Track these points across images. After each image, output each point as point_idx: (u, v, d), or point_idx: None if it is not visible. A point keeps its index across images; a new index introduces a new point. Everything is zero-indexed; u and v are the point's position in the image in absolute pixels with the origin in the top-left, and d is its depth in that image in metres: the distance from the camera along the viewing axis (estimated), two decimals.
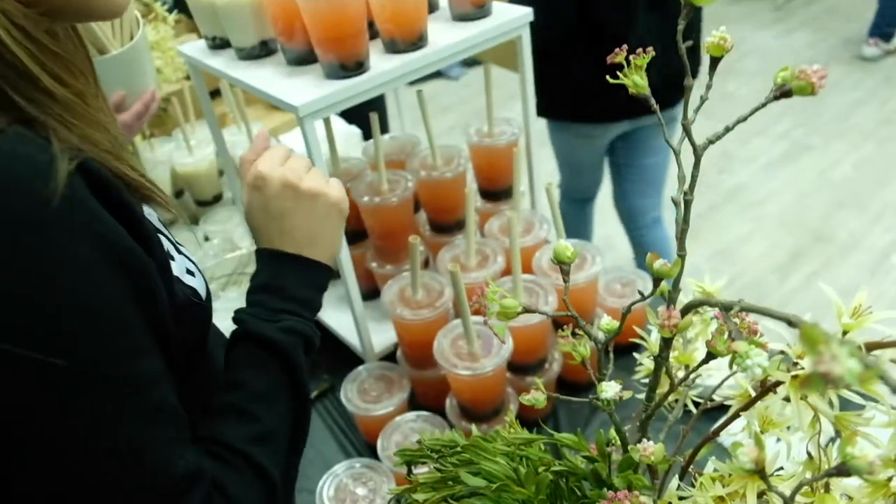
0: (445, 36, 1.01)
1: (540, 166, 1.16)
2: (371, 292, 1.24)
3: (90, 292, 0.44)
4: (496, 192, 1.21)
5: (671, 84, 2.00)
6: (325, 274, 0.72)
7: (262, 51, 1.05)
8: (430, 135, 1.09)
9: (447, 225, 1.17)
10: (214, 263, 1.22)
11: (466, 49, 1.01)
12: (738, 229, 3.06)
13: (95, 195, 0.46)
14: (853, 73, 4.10)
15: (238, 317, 0.66)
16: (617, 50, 0.48)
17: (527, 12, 1.06)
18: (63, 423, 0.44)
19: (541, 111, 1.97)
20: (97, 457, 0.45)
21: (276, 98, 0.94)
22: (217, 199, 1.61)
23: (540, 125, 1.77)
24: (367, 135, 1.72)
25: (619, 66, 0.47)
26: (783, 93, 0.40)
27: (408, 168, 1.14)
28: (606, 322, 0.58)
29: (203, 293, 0.62)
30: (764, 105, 0.42)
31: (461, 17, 1.05)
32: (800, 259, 2.85)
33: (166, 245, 0.58)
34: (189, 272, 0.60)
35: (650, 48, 0.47)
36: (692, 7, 0.41)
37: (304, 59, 1.00)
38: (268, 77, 1.00)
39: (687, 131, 0.44)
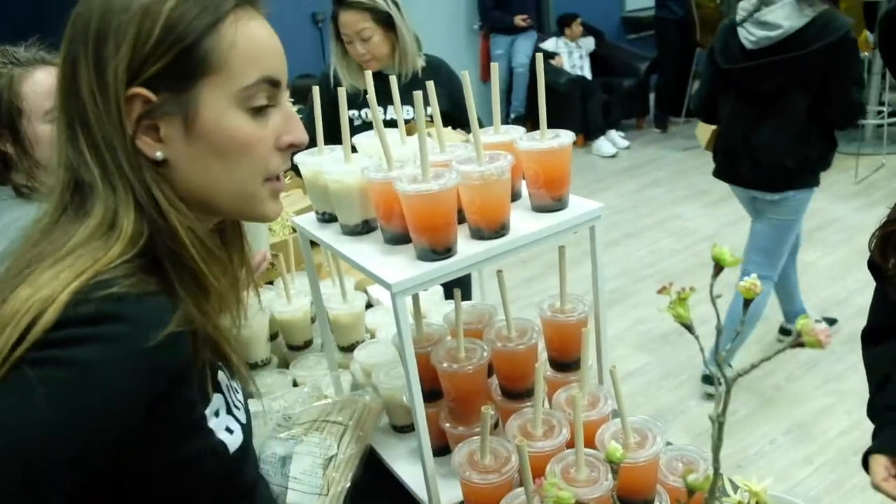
0: (526, 225, 1.14)
1: (607, 343, 1.24)
2: (442, 448, 1.31)
3: (110, 401, 0.61)
4: (566, 363, 1.29)
5: (806, 170, 2.86)
6: None
7: (364, 228, 1.21)
8: (507, 312, 1.20)
9: (517, 392, 1.25)
10: (302, 409, 1.33)
11: (544, 238, 1.13)
12: (816, 403, 2.99)
13: (171, 360, 0.65)
14: None
15: None
16: (664, 286, 0.58)
17: (599, 206, 1.18)
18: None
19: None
20: None
21: (373, 274, 1.07)
22: (307, 344, 1.74)
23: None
24: (447, 293, 1.85)
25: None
26: (798, 343, 0.49)
27: (484, 338, 1.24)
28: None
29: (233, 448, 0.76)
30: (783, 349, 0.51)
31: (540, 209, 1.18)
32: None
33: (216, 404, 0.74)
34: (228, 429, 0.75)
35: None
36: (721, 269, 0.51)
37: (399, 239, 1.14)
38: (368, 253, 1.14)
39: (718, 365, 0.52)
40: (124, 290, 0.62)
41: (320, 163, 1.22)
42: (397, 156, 1.16)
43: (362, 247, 1.17)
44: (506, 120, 6.39)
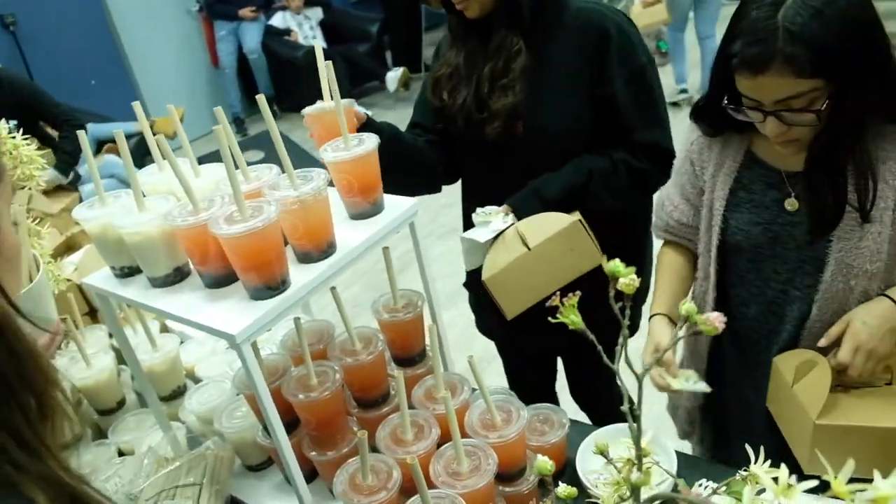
0: (350, 236, 1.11)
1: (445, 331, 1.27)
2: (309, 474, 1.26)
3: None
4: (410, 358, 1.30)
5: None
6: None
7: (177, 277, 1.10)
8: (349, 326, 1.17)
9: (373, 400, 1.24)
10: (146, 483, 1.21)
11: (370, 246, 1.12)
12: None
13: None
14: None
15: None
16: (554, 299, 0.60)
17: (414, 202, 1.18)
18: None
19: None
20: None
21: (206, 326, 0.99)
22: (120, 404, 1.58)
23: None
24: None
25: None
26: (696, 332, 0.53)
27: (329, 356, 1.20)
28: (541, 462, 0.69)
29: None
30: (679, 339, 0.55)
31: (359, 216, 1.16)
32: None
33: None
34: None
35: None
36: (617, 280, 0.53)
37: (222, 281, 1.06)
38: (190, 303, 1.05)
39: (629, 363, 0.56)
40: None
41: (109, 214, 1.09)
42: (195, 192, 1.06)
43: (181, 297, 1.07)
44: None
